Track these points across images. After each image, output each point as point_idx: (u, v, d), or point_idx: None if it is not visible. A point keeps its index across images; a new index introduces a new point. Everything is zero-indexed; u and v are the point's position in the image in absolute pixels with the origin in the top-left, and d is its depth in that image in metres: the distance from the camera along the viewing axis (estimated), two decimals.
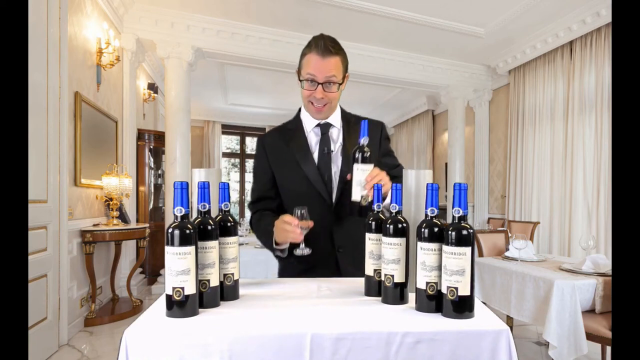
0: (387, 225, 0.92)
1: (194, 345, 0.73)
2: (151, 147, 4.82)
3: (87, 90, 3.34)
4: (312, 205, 1.22)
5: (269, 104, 7.81)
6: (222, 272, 0.94)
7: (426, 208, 0.88)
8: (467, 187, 0.85)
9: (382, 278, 0.94)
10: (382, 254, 0.93)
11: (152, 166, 5.03)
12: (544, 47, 4.67)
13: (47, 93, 2.59)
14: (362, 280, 1.05)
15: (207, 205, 0.91)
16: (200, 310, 0.87)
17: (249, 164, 9.63)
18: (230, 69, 5.71)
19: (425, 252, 0.86)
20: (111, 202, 3.53)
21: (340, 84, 1.28)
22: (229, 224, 0.96)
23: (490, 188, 6.07)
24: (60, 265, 2.77)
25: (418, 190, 1.01)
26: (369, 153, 1.13)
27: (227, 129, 9.10)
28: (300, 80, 1.28)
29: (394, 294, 0.92)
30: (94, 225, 3.40)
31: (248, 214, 1.43)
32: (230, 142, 9.78)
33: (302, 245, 1.17)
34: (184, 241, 0.81)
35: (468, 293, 0.82)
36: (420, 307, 0.88)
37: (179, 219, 0.83)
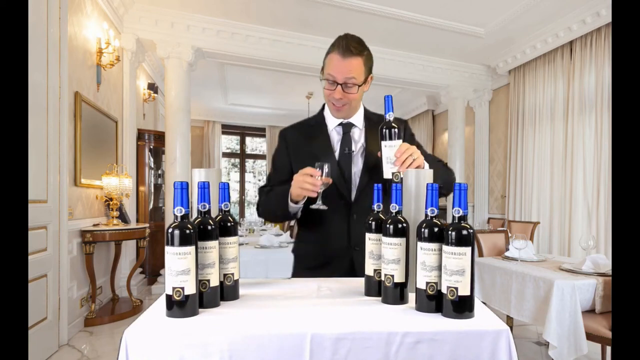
0: (387, 225, 0.92)
1: (194, 345, 0.73)
2: (151, 147, 4.82)
3: (87, 90, 3.34)
4: (330, 202, 1.22)
5: (269, 104, 7.81)
6: (222, 272, 0.94)
7: (426, 208, 0.88)
8: (467, 187, 0.85)
9: (382, 278, 0.94)
10: (382, 254, 0.93)
11: (152, 166, 5.03)
12: (544, 47, 4.67)
13: (47, 93, 2.59)
14: (362, 280, 1.05)
15: (207, 205, 0.91)
16: (200, 310, 0.86)
17: (249, 164, 9.64)
18: (230, 69, 5.71)
19: (425, 252, 0.86)
20: (111, 202, 3.53)
21: (362, 85, 1.27)
22: (229, 224, 0.96)
23: (490, 188, 6.07)
24: (60, 265, 2.77)
25: (418, 190, 1.01)
26: (396, 129, 1.10)
27: (227, 129, 9.10)
28: (321, 80, 1.28)
29: (394, 294, 0.92)
30: (94, 225, 3.40)
31: (248, 214, 1.44)
32: (230, 142, 9.78)
33: (320, 202, 1.17)
34: (184, 241, 0.81)
35: (468, 293, 0.82)
36: (420, 307, 0.88)
37: (179, 219, 0.83)
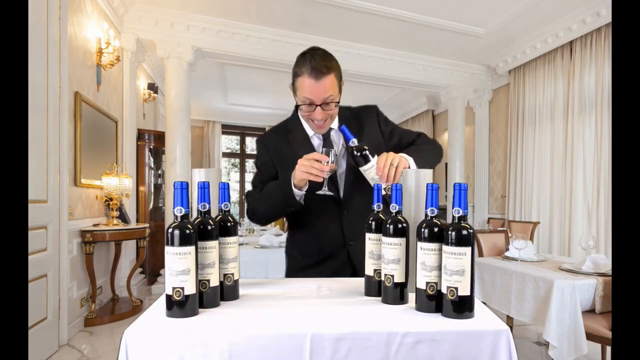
0: (387, 225, 0.92)
1: (194, 345, 0.73)
2: (151, 147, 4.82)
3: (87, 90, 3.34)
4: (321, 203, 1.23)
5: (269, 104, 7.81)
6: (222, 272, 0.94)
7: (426, 208, 0.88)
8: (467, 187, 0.85)
9: (382, 278, 0.94)
10: (382, 254, 0.93)
11: (152, 166, 5.03)
12: (544, 47, 4.67)
13: (47, 93, 2.59)
14: (362, 280, 1.05)
15: (207, 205, 0.91)
16: (200, 310, 0.87)
17: (249, 164, 9.63)
18: (230, 69, 5.71)
19: (425, 252, 0.86)
20: (111, 202, 3.53)
21: (338, 98, 1.26)
22: (229, 224, 0.96)
23: (490, 188, 6.07)
24: (60, 265, 2.76)
25: (418, 190, 1.01)
26: (365, 151, 1.14)
27: (227, 129, 9.10)
28: (297, 103, 1.25)
29: (394, 294, 0.92)
30: (94, 225, 3.40)
31: (246, 205, 1.42)
32: (230, 142, 9.78)
33: (325, 187, 1.17)
34: (184, 241, 0.81)
35: (468, 293, 0.82)
36: (420, 307, 0.88)
37: (179, 219, 0.83)
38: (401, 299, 0.93)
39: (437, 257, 0.86)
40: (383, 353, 0.76)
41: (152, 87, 5.43)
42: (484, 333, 0.78)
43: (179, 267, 0.81)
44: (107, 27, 3.62)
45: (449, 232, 0.83)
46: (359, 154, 1.14)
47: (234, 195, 9.48)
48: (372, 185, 1.04)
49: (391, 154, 1.14)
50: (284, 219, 1.65)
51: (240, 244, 1.86)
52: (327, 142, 1.34)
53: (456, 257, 0.82)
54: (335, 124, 1.36)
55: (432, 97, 7.20)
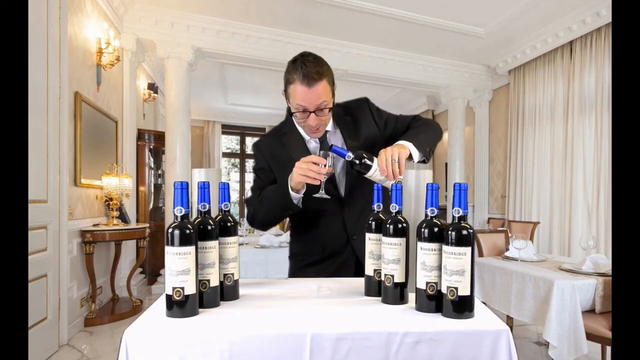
0: (387, 225, 0.92)
1: (194, 345, 0.73)
2: (151, 147, 4.82)
3: (87, 90, 3.34)
4: (322, 199, 1.22)
5: (269, 104, 7.81)
6: (222, 272, 0.94)
7: (426, 208, 0.88)
8: (467, 187, 0.85)
9: (382, 278, 0.94)
10: (382, 254, 0.93)
11: (152, 166, 5.03)
12: (544, 47, 4.67)
13: (47, 93, 2.59)
14: (362, 280, 1.05)
15: (207, 205, 0.91)
16: (200, 310, 0.87)
17: (249, 164, 9.63)
18: (230, 69, 5.71)
19: (425, 252, 0.86)
20: (111, 202, 3.53)
21: (332, 103, 1.25)
22: (229, 224, 0.96)
23: (490, 188, 6.07)
24: (60, 265, 2.76)
25: (418, 190, 1.01)
26: (364, 158, 1.13)
27: (227, 129, 9.10)
28: (291, 110, 1.25)
29: (394, 294, 0.92)
30: (94, 225, 3.40)
31: (246, 210, 1.42)
32: (230, 142, 9.78)
33: (322, 191, 1.17)
34: (184, 241, 0.81)
35: (468, 293, 0.82)
36: (420, 307, 0.88)
37: (179, 219, 0.83)
38: (401, 299, 0.93)
39: (437, 257, 0.86)
40: (383, 353, 0.76)
41: (152, 87, 5.43)
42: (484, 333, 0.78)
43: (179, 267, 0.81)
44: (107, 27, 3.62)
45: (449, 232, 0.83)
46: (358, 162, 1.13)
47: (234, 195, 9.47)
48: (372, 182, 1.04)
49: (388, 150, 1.13)
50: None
51: (240, 244, 1.86)
52: (324, 144, 1.33)
53: (456, 257, 0.82)
54: (330, 126, 1.35)
55: (432, 97, 7.20)
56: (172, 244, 0.81)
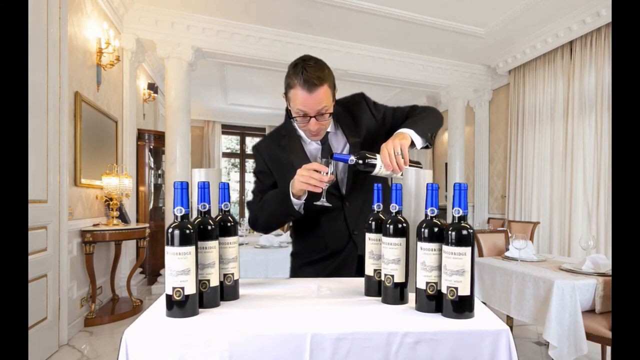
0: (387, 225, 0.92)
1: (194, 345, 0.73)
2: (151, 147, 4.82)
3: (87, 90, 3.34)
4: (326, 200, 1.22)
5: (269, 104, 7.81)
6: (222, 272, 0.94)
7: (426, 208, 0.88)
8: (467, 187, 0.85)
9: (382, 278, 0.94)
10: (382, 254, 0.93)
11: (152, 166, 5.03)
12: (544, 47, 4.67)
13: (47, 93, 2.59)
14: (362, 280, 1.05)
15: (207, 205, 0.91)
16: (200, 310, 0.87)
17: (249, 164, 9.63)
18: (230, 69, 5.71)
19: (425, 252, 0.86)
20: (111, 202, 3.53)
21: (333, 108, 1.25)
22: (229, 224, 0.96)
23: (490, 188, 6.07)
24: (60, 265, 2.76)
25: (418, 190, 1.01)
26: (367, 158, 1.13)
27: (227, 129, 9.10)
28: (292, 115, 1.24)
29: (394, 294, 0.92)
30: (94, 225, 3.40)
31: (248, 214, 1.42)
32: (230, 142, 9.78)
33: (324, 199, 1.17)
34: (184, 241, 0.81)
35: (468, 293, 0.82)
36: (420, 307, 0.88)
37: (179, 219, 0.83)
38: (401, 299, 0.93)
39: (437, 257, 0.86)
40: (383, 353, 0.76)
41: (152, 87, 5.43)
42: (484, 333, 0.78)
43: (179, 267, 0.81)
44: (107, 27, 3.62)
45: (449, 232, 0.83)
46: (362, 163, 1.12)
47: (234, 195, 9.47)
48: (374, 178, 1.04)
49: (389, 143, 1.12)
50: None
51: (240, 244, 1.86)
52: (325, 146, 1.33)
53: (456, 257, 0.82)
54: (331, 127, 1.34)
55: (432, 97, 7.20)
56: (172, 244, 0.81)
